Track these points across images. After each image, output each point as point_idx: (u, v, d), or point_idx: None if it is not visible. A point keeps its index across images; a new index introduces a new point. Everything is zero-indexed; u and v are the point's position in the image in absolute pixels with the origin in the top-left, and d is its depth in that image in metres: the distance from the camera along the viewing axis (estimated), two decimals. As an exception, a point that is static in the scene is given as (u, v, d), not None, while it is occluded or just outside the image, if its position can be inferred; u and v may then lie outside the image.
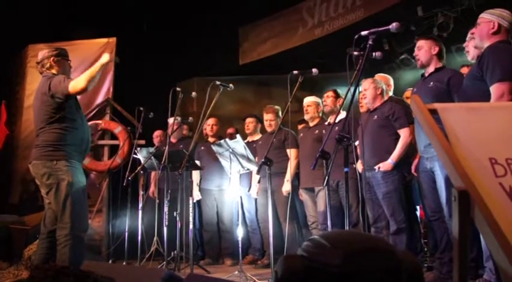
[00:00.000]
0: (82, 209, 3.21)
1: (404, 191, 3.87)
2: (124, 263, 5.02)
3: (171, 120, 5.04)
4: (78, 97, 3.34)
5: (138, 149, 5.34)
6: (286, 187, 4.79)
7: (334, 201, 4.19)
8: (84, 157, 3.44)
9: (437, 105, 1.31)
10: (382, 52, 2.97)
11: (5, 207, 6.42)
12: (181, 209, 4.59)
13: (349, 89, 2.81)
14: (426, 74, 3.54)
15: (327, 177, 2.70)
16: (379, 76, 4.51)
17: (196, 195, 5.40)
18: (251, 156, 4.26)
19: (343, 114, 4.17)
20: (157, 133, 6.13)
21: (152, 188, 5.86)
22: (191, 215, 4.56)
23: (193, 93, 4.87)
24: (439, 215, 3.45)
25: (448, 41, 5.18)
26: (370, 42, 2.65)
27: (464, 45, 3.42)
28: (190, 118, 5.46)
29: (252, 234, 5.39)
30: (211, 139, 5.52)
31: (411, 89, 4.34)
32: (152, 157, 5.00)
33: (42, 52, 3.37)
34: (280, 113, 5.20)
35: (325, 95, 4.71)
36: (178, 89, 4.76)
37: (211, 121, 5.58)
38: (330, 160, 2.70)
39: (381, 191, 3.88)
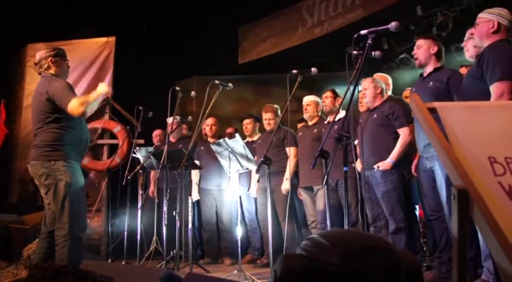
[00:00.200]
0: (80, 209, 3.20)
1: (404, 190, 3.88)
2: (123, 263, 5.01)
3: (170, 119, 5.04)
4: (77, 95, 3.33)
5: (137, 148, 5.34)
6: (285, 185, 4.79)
7: (333, 200, 4.20)
8: (83, 157, 3.43)
9: (436, 104, 1.30)
10: (382, 51, 2.97)
11: (4, 207, 6.42)
12: (181, 208, 4.59)
13: (348, 88, 2.81)
14: (425, 74, 3.54)
15: (326, 177, 2.70)
16: (378, 75, 4.51)
17: (195, 195, 5.40)
18: (250, 156, 4.26)
19: (342, 114, 4.17)
20: (156, 132, 6.13)
21: (152, 188, 5.86)
22: (190, 214, 4.56)
23: (193, 93, 4.86)
24: (439, 215, 3.45)
25: (447, 41, 5.18)
26: (369, 41, 2.65)
27: (462, 44, 3.42)
28: (190, 117, 5.46)
29: (252, 234, 5.39)
30: (210, 139, 5.51)
31: (410, 88, 4.35)
32: (151, 156, 5.00)
33: (39, 52, 3.37)
34: (279, 112, 5.20)
35: (324, 95, 4.71)
36: (177, 88, 4.76)
37: (210, 121, 5.58)
38: (329, 159, 2.70)
39: (380, 190, 3.89)
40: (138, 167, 5.14)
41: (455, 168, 1.06)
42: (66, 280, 1.86)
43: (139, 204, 5.43)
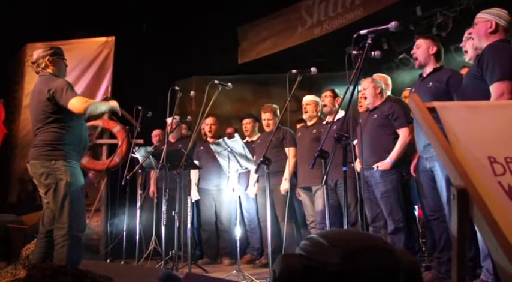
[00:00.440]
0: (80, 208, 3.19)
1: (403, 191, 3.88)
2: (122, 263, 5.01)
3: (169, 119, 5.04)
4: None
5: (137, 148, 5.33)
6: (284, 186, 4.79)
7: (332, 200, 4.19)
8: (82, 156, 3.43)
9: (436, 104, 1.30)
10: (381, 51, 2.97)
11: (3, 207, 6.41)
12: (180, 208, 4.58)
13: (348, 88, 2.80)
14: (424, 74, 3.54)
15: (325, 177, 2.69)
16: (377, 76, 4.51)
17: (195, 195, 5.39)
18: (249, 155, 4.26)
19: (341, 113, 4.17)
20: (156, 132, 6.12)
21: (152, 188, 5.85)
22: (189, 214, 4.55)
23: (192, 92, 4.85)
24: (438, 215, 3.45)
25: (446, 41, 5.18)
26: (369, 41, 2.65)
27: (461, 45, 3.42)
28: (189, 117, 5.45)
29: (251, 234, 5.39)
30: (210, 139, 5.51)
31: (409, 88, 4.34)
32: (150, 156, 4.99)
33: (37, 52, 3.35)
34: (278, 112, 5.20)
35: (323, 94, 4.70)
36: (177, 88, 4.75)
37: (209, 121, 5.57)
38: (329, 159, 2.70)
39: (379, 190, 3.89)
40: (137, 167, 5.13)
41: (455, 168, 1.06)
42: (64, 280, 1.85)
43: (139, 204, 5.42)
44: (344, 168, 2.64)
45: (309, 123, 4.86)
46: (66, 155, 3.13)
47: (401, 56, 6.80)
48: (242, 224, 5.20)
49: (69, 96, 3.05)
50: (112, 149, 6.43)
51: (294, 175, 4.92)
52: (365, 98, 4.12)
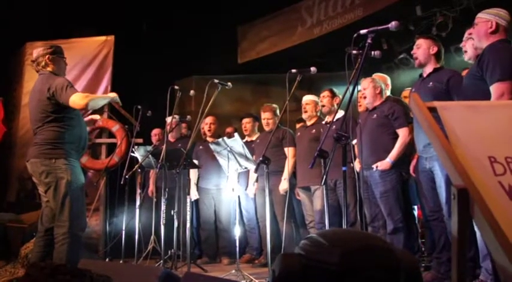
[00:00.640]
0: (80, 207, 3.19)
1: (402, 191, 3.88)
2: (121, 262, 5.00)
3: (169, 118, 5.03)
4: None
5: (136, 147, 5.33)
6: (284, 186, 4.78)
7: (331, 200, 4.19)
8: (82, 155, 3.43)
9: (436, 104, 1.30)
10: (381, 51, 2.97)
11: (2, 205, 6.41)
12: (179, 207, 4.58)
13: (347, 88, 2.80)
14: (424, 75, 3.54)
15: (325, 176, 2.69)
16: (377, 76, 4.50)
17: (194, 194, 5.39)
18: (249, 155, 4.26)
19: (341, 113, 4.17)
20: (155, 131, 6.12)
21: (151, 187, 5.85)
22: (188, 213, 4.55)
23: (192, 92, 4.85)
24: (438, 215, 3.45)
25: (446, 41, 5.17)
26: (369, 40, 2.65)
27: (461, 45, 3.42)
28: (189, 116, 5.44)
29: (250, 233, 5.38)
30: (209, 139, 5.50)
31: (409, 88, 4.34)
32: (150, 155, 4.99)
33: (36, 50, 3.34)
34: (277, 112, 5.20)
35: (322, 95, 4.69)
36: (176, 87, 4.75)
37: (209, 120, 5.57)
38: (328, 159, 2.70)
39: (379, 190, 3.89)
40: (136, 166, 5.13)
41: (455, 168, 1.06)
42: (63, 279, 1.85)
43: (138, 203, 5.41)
44: (343, 168, 2.64)
45: (308, 123, 4.86)
46: (66, 154, 3.13)
47: (401, 56, 6.80)
48: (241, 223, 5.20)
49: (69, 93, 3.05)
50: (111, 148, 6.43)
51: (293, 175, 4.91)
52: (364, 97, 4.12)
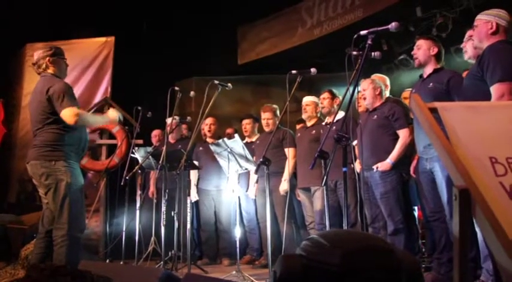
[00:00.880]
0: (79, 209, 3.19)
1: (402, 191, 3.87)
2: (121, 263, 5.00)
3: (169, 119, 5.03)
4: (76, 95, 3.32)
5: (136, 148, 5.33)
6: (284, 187, 4.78)
7: (332, 201, 4.19)
8: (82, 157, 3.42)
9: (437, 104, 1.30)
10: (381, 52, 2.97)
11: (3, 207, 6.41)
12: (179, 208, 4.58)
13: (348, 89, 2.80)
14: (425, 75, 3.54)
15: (325, 177, 2.69)
16: (376, 76, 4.50)
17: (194, 196, 5.39)
18: (249, 156, 4.26)
19: (341, 114, 4.17)
20: (155, 132, 6.12)
21: (152, 189, 5.85)
22: (189, 214, 4.55)
23: (192, 93, 4.85)
24: (438, 216, 3.45)
25: (446, 42, 5.17)
26: (369, 41, 2.65)
27: (462, 46, 3.42)
28: (189, 118, 5.45)
29: (250, 234, 5.38)
30: (209, 140, 5.50)
31: (409, 89, 4.34)
32: (150, 157, 4.99)
33: (37, 52, 3.34)
34: (277, 112, 5.20)
35: (321, 96, 4.69)
36: (176, 88, 4.75)
37: (209, 121, 5.57)
38: (329, 160, 2.70)
39: (379, 191, 3.88)
40: (136, 167, 5.13)
41: (457, 168, 1.06)
42: (64, 280, 1.85)
43: (138, 204, 5.41)
44: (344, 169, 2.64)
45: (308, 124, 4.86)
46: (66, 156, 3.12)
47: (401, 56, 6.80)
48: (241, 224, 5.20)
49: (63, 105, 3.05)
50: (111, 149, 6.43)
51: (294, 176, 4.91)
52: (364, 98, 4.12)
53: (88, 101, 6.65)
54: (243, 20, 8.26)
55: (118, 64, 6.82)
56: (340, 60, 2.96)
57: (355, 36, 2.70)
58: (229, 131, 6.29)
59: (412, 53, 3.63)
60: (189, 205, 4.57)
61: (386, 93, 4.33)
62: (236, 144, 4.23)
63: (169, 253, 4.61)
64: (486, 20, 2.82)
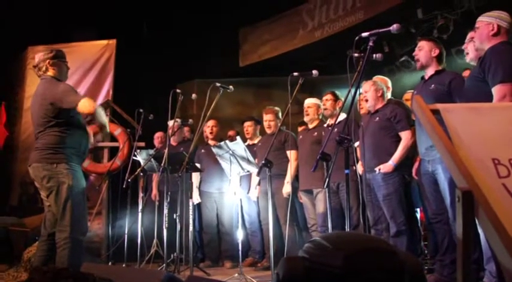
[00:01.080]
0: (82, 212, 3.19)
1: (405, 193, 3.87)
2: (123, 265, 5.00)
3: (171, 122, 5.04)
4: None
5: (138, 151, 5.33)
6: (287, 189, 4.78)
7: (334, 203, 4.18)
8: (84, 160, 3.43)
9: (439, 106, 1.30)
10: (382, 54, 2.97)
11: (5, 209, 6.41)
12: (181, 211, 4.58)
13: (349, 91, 2.80)
14: (426, 77, 3.54)
15: (327, 179, 2.69)
16: (377, 78, 4.51)
17: (196, 198, 5.38)
18: (251, 158, 4.25)
19: (342, 116, 4.17)
20: (158, 134, 6.13)
21: (154, 191, 5.85)
22: (191, 217, 4.54)
23: (194, 95, 4.85)
24: (441, 217, 3.44)
25: (448, 43, 5.18)
26: (370, 43, 2.65)
27: (463, 47, 3.42)
28: (190, 120, 5.45)
29: (252, 237, 5.38)
30: (211, 142, 5.51)
31: (411, 91, 4.34)
32: (152, 159, 4.99)
33: (38, 55, 3.35)
34: (279, 115, 5.20)
35: (324, 98, 4.69)
36: (178, 90, 4.76)
37: (211, 123, 5.57)
38: (331, 162, 2.70)
39: (381, 192, 3.88)
40: (138, 170, 5.13)
41: (460, 170, 1.06)
42: (66, 283, 1.85)
43: (140, 207, 5.42)
44: (346, 171, 2.63)
45: (310, 126, 4.86)
46: (67, 158, 3.13)
47: (403, 58, 6.80)
48: (244, 226, 5.19)
49: (77, 98, 3.05)
50: (113, 151, 6.43)
51: (296, 178, 4.91)
52: (366, 100, 4.12)
53: (90, 104, 6.64)
54: (244, 22, 8.27)
55: (119, 67, 6.84)
56: (342, 62, 2.96)
57: (357, 38, 2.70)
58: (231, 133, 6.29)
59: (414, 54, 3.63)
60: (191, 207, 4.56)
61: (388, 95, 4.32)
62: (238, 146, 4.23)
63: (172, 255, 4.61)
64: (487, 21, 2.82)
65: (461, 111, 1.33)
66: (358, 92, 2.77)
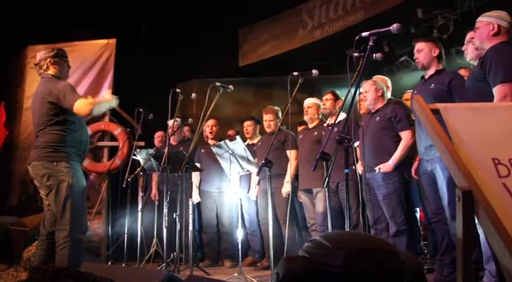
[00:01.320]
0: (81, 210, 3.19)
1: (404, 193, 3.87)
2: (123, 265, 5.00)
3: (170, 122, 5.04)
4: None
5: (138, 150, 5.33)
6: (286, 188, 4.78)
7: (333, 202, 4.19)
8: (83, 158, 3.42)
9: (439, 105, 1.30)
10: (382, 54, 2.97)
11: (4, 209, 6.41)
12: (181, 210, 4.58)
13: (349, 91, 2.80)
14: (426, 77, 3.54)
15: (327, 179, 2.69)
16: (377, 78, 4.51)
17: (196, 197, 5.38)
18: (251, 158, 4.25)
19: (342, 116, 4.17)
20: (158, 133, 6.13)
21: (154, 191, 5.85)
22: (191, 216, 4.55)
23: (193, 95, 4.85)
24: (440, 217, 3.44)
25: (447, 43, 5.18)
26: (370, 43, 2.65)
27: (463, 48, 3.42)
28: (190, 120, 5.45)
29: (251, 236, 5.38)
30: (211, 142, 5.51)
31: (411, 91, 4.34)
32: (152, 159, 4.99)
33: (39, 54, 3.35)
34: (279, 114, 5.20)
35: (324, 97, 4.69)
36: (178, 90, 4.76)
37: (210, 122, 5.57)
38: (331, 161, 2.70)
39: (381, 192, 3.88)
40: (138, 169, 5.13)
41: (460, 169, 1.06)
42: (66, 282, 1.85)
43: (140, 206, 5.42)
44: (346, 171, 2.63)
45: (310, 126, 4.86)
46: (68, 157, 3.13)
47: (402, 58, 6.81)
48: (243, 226, 5.19)
49: (74, 99, 3.05)
50: (113, 151, 6.43)
51: (295, 177, 4.91)
52: (366, 100, 4.12)
53: (89, 103, 6.64)
54: (244, 22, 8.27)
55: (119, 66, 6.83)
56: (342, 62, 2.96)
57: (357, 37, 2.70)
58: (230, 133, 6.29)
59: (414, 57, 3.62)
60: (190, 207, 4.56)
61: (388, 95, 4.32)
62: (238, 146, 4.23)
63: (171, 255, 4.61)
64: (487, 21, 2.82)
65: (461, 111, 1.33)
66: (358, 92, 2.77)
